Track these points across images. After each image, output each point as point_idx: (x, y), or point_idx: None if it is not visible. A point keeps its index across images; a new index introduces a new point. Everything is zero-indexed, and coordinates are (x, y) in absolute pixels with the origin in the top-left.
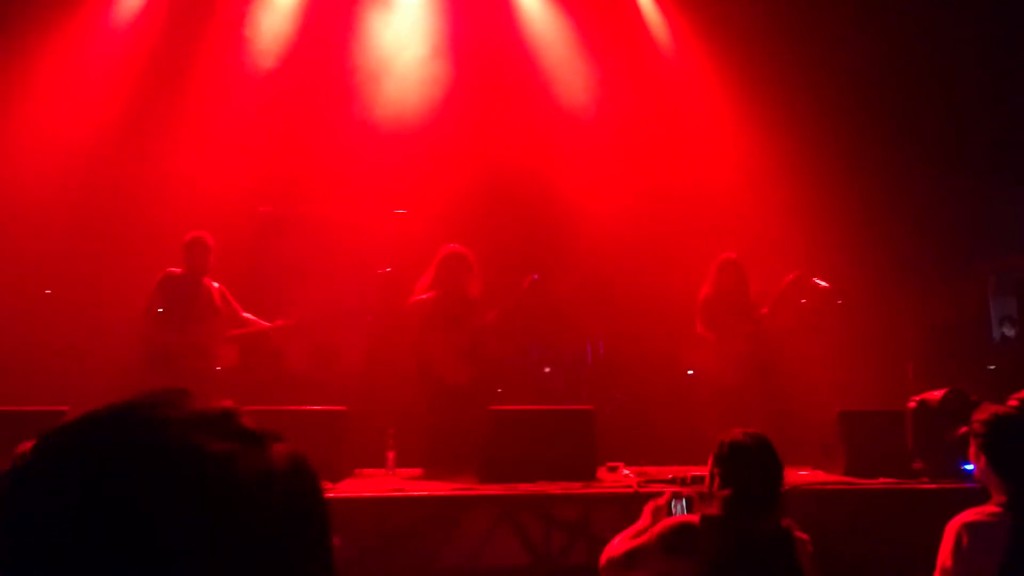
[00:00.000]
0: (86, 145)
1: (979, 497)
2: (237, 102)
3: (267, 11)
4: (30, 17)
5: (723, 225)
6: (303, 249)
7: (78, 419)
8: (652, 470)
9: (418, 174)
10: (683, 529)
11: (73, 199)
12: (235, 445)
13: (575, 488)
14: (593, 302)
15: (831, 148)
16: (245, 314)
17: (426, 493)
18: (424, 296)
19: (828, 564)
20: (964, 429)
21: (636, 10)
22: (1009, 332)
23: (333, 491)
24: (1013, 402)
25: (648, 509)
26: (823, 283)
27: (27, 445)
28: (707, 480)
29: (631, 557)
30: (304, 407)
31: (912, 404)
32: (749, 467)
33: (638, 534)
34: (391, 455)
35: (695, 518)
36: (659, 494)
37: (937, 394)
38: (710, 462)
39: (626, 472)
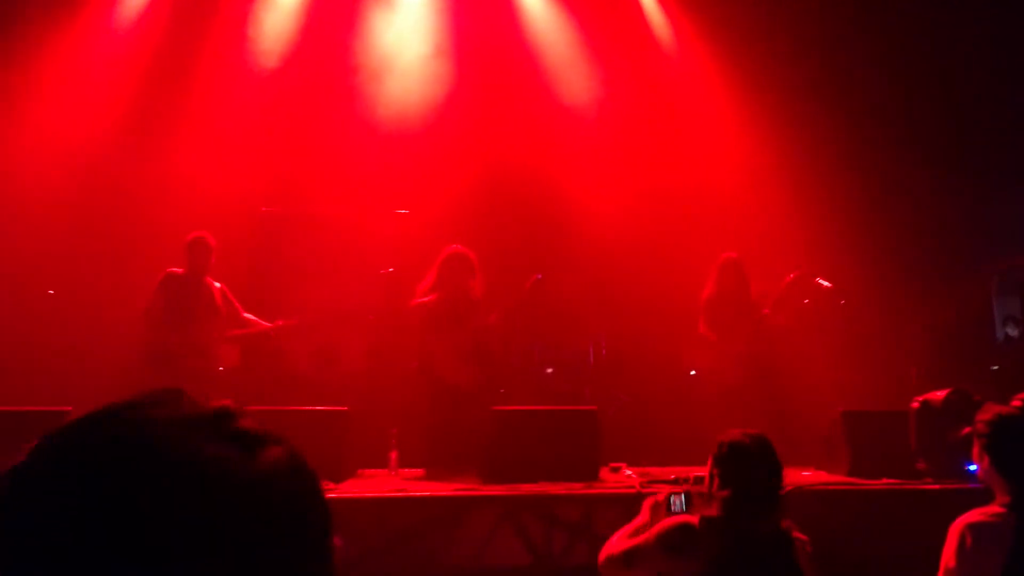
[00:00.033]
0: (89, 145)
1: (983, 498)
2: (239, 102)
3: (270, 11)
4: (33, 17)
5: (726, 225)
6: (305, 249)
7: (77, 420)
8: (654, 470)
9: (420, 174)
10: (682, 529)
11: (76, 199)
12: (233, 446)
13: (577, 488)
14: (595, 302)
15: (833, 148)
16: (246, 314)
17: (428, 493)
18: (426, 299)
19: (831, 564)
20: (967, 429)
21: (639, 9)
22: (1012, 332)
23: (335, 491)
24: (1016, 402)
25: (647, 505)
26: (826, 283)
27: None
28: (706, 481)
29: (630, 556)
30: (306, 407)
31: (915, 404)
32: (748, 467)
33: (636, 531)
34: (394, 455)
35: (694, 519)
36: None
37: (940, 394)
38: (709, 462)
39: (628, 472)
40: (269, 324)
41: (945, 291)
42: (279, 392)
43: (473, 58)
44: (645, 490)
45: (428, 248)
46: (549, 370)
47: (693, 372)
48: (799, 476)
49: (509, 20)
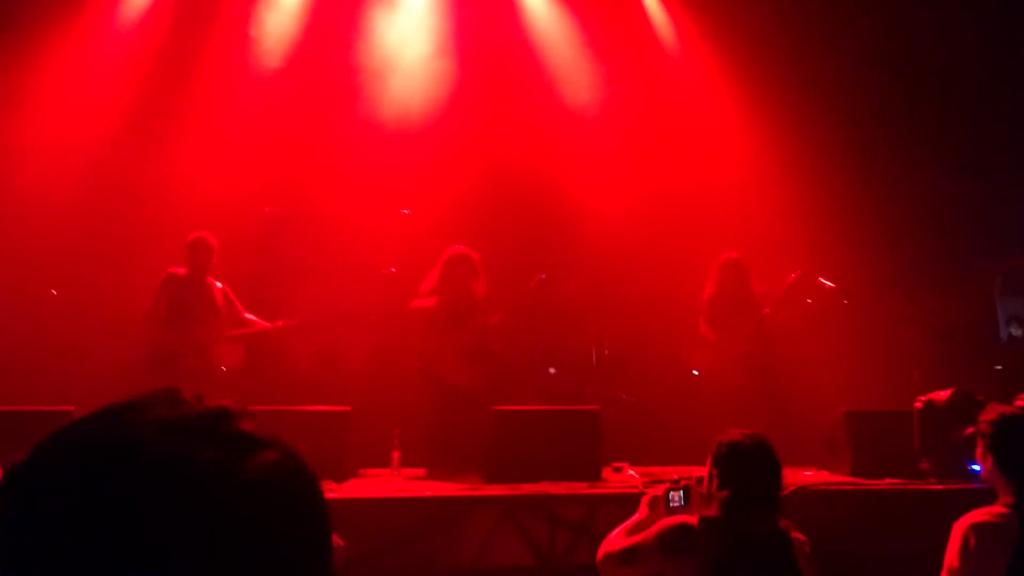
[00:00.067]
0: (91, 145)
1: (986, 498)
2: (241, 102)
3: (272, 11)
4: (35, 18)
5: (728, 225)
6: (307, 249)
7: (78, 421)
8: (657, 470)
9: (422, 174)
10: (681, 530)
11: (78, 199)
12: (232, 446)
13: (580, 488)
14: (598, 302)
15: (836, 148)
16: (247, 315)
17: (431, 493)
18: (426, 302)
19: (834, 565)
20: (971, 429)
21: (641, 9)
22: (1016, 332)
23: (337, 491)
24: (1020, 402)
25: (645, 501)
26: (829, 283)
27: None
28: (705, 481)
29: (628, 554)
30: (308, 407)
31: (919, 404)
32: (747, 468)
33: (635, 527)
34: (396, 455)
35: (693, 519)
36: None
37: (944, 394)
38: (708, 463)
39: (631, 472)
40: (269, 324)
41: (948, 291)
42: (281, 392)
43: (475, 58)
44: (647, 490)
45: (430, 248)
46: (551, 370)
47: (696, 372)
48: (802, 476)
49: (511, 19)
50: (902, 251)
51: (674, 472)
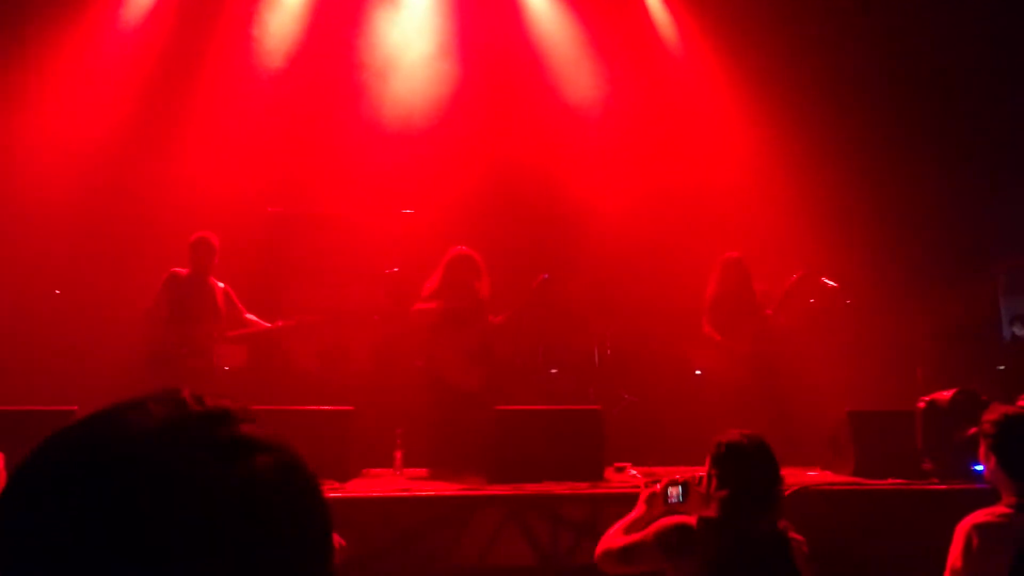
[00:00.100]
0: (94, 145)
1: (989, 498)
2: (244, 102)
3: (274, 11)
4: (38, 18)
5: (731, 225)
6: (311, 249)
7: (79, 421)
8: (660, 470)
9: (425, 173)
10: (680, 530)
11: (82, 199)
12: (232, 446)
13: (582, 488)
14: (601, 302)
15: (839, 147)
16: (248, 315)
17: (433, 493)
18: (428, 306)
19: (837, 564)
20: (974, 430)
21: (643, 8)
22: (1020, 332)
23: (340, 491)
24: (1023, 402)
25: (643, 496)
26: (832, 283)
27: None
28: (704, 481)
29: (627, 553)
30: (311, 407)
31: (922, 404)
32: (746, 468)
33: (633, 523)
34: (399, 455)
35: (692, 519)
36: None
37: (947, 394)
38: (707, 463)
39: (633, 472)
40: (268, 325)
41: (952, 291)
42: (284, 392)
43: (478, 57)
44: (650, 489)
45: (433, 248)
46: (554, 370)
47: (698, 372)
48: (805, 476)
49: (514, 19)
50: (905, 251)
51: (677, 472)
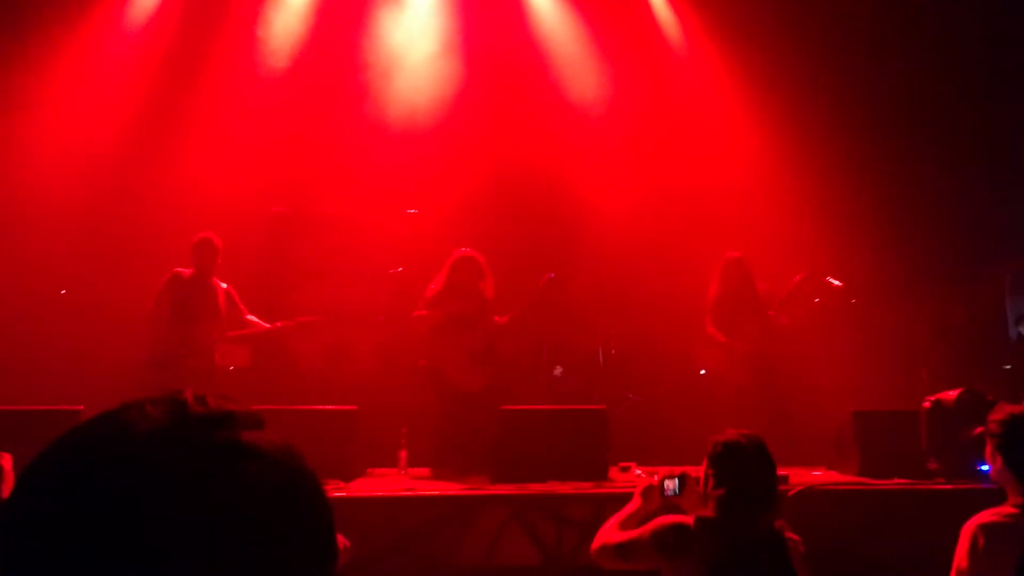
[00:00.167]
0: (98, 146)
1: (995, 498)
2: (248, 102)
3: (279, 11)
4: (43, 18)
5: (735, 225)
6: (315, 249)
7: (82, 423)
8: (664, 470)
9: (429, 173)
10: (677, 529)
11: (86, 200)
12: (233, 446)
13: (586, 488)
14: (605, 301)
15: (844, 147)
16: (249, 316)
17: (437, 493)
18: (430, 311)
19: (842, 564)
20: (980, 429)
21: (647, 8)
22: None
23: (344, 490)
24: None
25: (639, 490)
26: (837, 282)
27: None
28: (701, 480)
29: (623, 549)
30: (315, 407)
31: (927, 404)
32: (743, 467)
33: (629, 517)
34: (403, 454)
35: (689, 519)
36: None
37: (952, 394)
38: (705, 462)
39: (638, 472)
40: (268, 325)
41: (957, 290)
42: (288, 391)
43: (482, 56)
44: (646, 482)
45: (438, 247)
46: (558, 370)
47: (703, 372)
48: (809, 476)
49: (517, 18)
50: (910, 250)
51: (680, 472)
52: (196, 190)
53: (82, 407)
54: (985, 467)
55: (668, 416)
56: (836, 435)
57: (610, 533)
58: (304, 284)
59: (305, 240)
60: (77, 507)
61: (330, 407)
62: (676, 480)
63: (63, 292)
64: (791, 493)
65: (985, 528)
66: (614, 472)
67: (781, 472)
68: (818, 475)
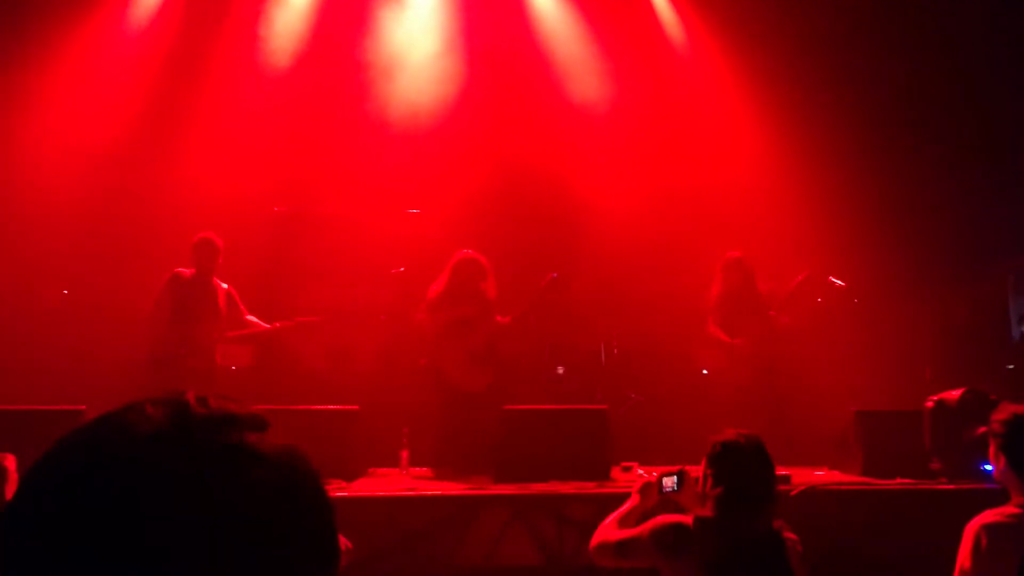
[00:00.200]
0: (100, 145)
1: (998, 498)
2: (250, 102)
3: (281, 10)
4: (45, 18)
5: (738, 224)
6: (316, 248)
7: (83, 424)
8: (666, 470)
9: (431, 173)
10: (675, 529)
11: (88, 200)
12: (234, 447)
13: (588, 488)
14: (607, 301)
15: (847, 146)
16: (249, 316)
17: (439, 493)
18: (432, 316)
19: (845, 564)
20: (983, 429)
21: (649, 7)
22: None
23: (346, 490)
24: None
25: (637, 487)
26: (839, 282)
27: None
28: (700, 480)
29: (622, 547)
30: (317, 406)
31: (930, 404)
32: (742, 467)
33: (627, 515)
34: (404, 454)
35: (688, 519)
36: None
37: (955, 394)
38: (703, 462)
39: (640, 472)
40: (267, 326)
41: (960, 290)
42: (290, 391)
43: (484, 56)
44: (644, 479)
45: (440, 247)
46: (560, 369)
47: (705, 371)
48: (812, 476)
49: (520, 18)
50: (913, 249)
51: (678, 469)
52: (197, 190)
53: (84, 407)
54: (988, 467)
55: (670, 416)
56: (839, 435)
57: (609, 531)
58: (306, 284)
59: (306, 240)
60: (78, 508)
61: (332, 407)
62: (674, 477)
63: (65, 292)
64: (794, 493)
65: (988, 528)
66: (616, 472)
67: (784, 472)
68: (821, 475)
